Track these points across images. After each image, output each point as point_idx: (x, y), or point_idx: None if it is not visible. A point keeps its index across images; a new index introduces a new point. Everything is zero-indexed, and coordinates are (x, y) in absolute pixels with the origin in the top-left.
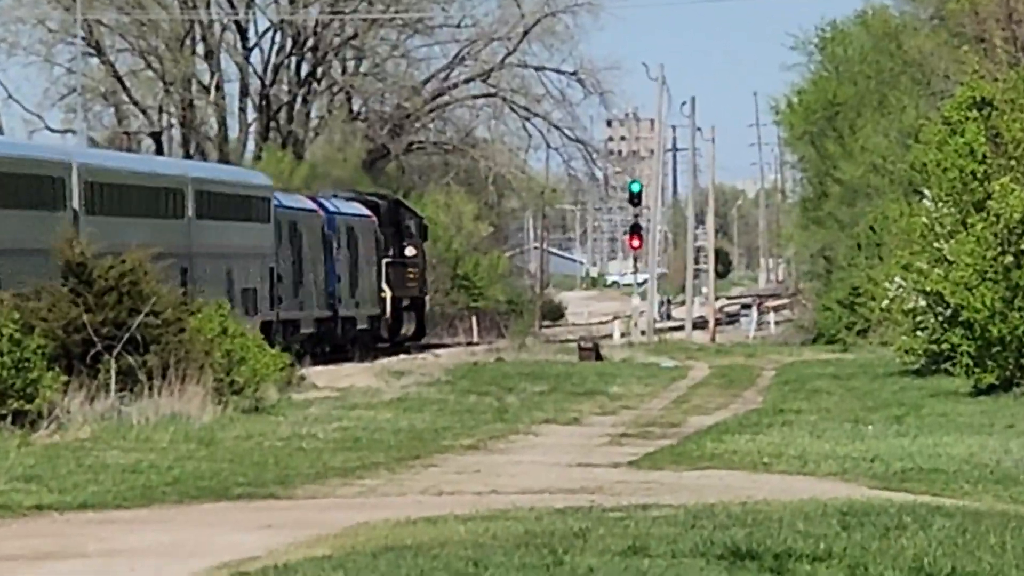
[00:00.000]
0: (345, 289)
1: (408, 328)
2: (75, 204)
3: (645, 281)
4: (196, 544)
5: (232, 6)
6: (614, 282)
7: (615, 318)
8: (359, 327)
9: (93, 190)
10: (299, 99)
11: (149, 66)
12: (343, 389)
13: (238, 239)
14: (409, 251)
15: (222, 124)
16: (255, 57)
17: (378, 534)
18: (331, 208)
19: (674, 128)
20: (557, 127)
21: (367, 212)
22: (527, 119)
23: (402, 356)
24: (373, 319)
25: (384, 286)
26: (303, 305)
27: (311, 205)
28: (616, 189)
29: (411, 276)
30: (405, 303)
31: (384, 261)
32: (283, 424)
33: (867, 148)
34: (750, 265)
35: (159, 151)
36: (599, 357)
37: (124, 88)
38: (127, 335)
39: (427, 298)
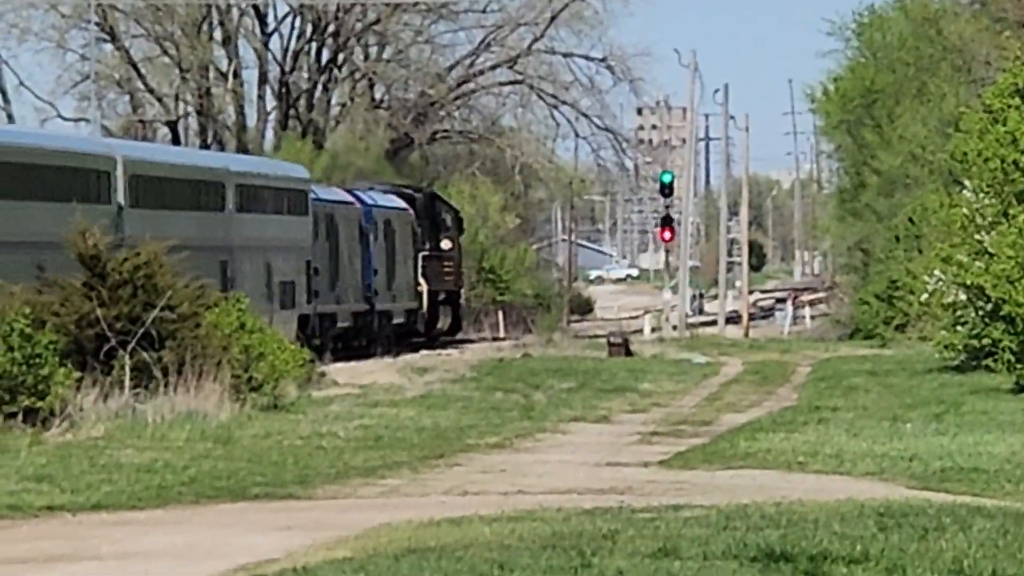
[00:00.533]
0: (382, 283)
1: (444, 322)
2: (119, 198)
3: (627, 276)
4: (212, 546)
5: None
6: (598, 276)
7: (646, 312)
8: (395, 321)
9: (137, 183)
10: (320, 86)
11: (165, 52)
12: (365, 386)
13: (276, 232)
14: (445, 244)
15: (240, 112)
16: (274, 43)
17: (400, 535)
18: (368, 201)
19: (707, 116)
20: (586, 115)
21: (404, 205)
22: (555, 107)
23: (424, 352)
24: (410, 313)
25: (420, 280)
26: (340, 299)
27: (348, 198)
28: (647, 179)
29: (447, 270)
30: (441, 297)
31: (420, 254)
32: (303, 422)
33: (905, 137)
34: (785, 258)
35: (175, 140)
36: (629, 353)
37: (139, 75)
38: (142, 330)
39: (463, 292)
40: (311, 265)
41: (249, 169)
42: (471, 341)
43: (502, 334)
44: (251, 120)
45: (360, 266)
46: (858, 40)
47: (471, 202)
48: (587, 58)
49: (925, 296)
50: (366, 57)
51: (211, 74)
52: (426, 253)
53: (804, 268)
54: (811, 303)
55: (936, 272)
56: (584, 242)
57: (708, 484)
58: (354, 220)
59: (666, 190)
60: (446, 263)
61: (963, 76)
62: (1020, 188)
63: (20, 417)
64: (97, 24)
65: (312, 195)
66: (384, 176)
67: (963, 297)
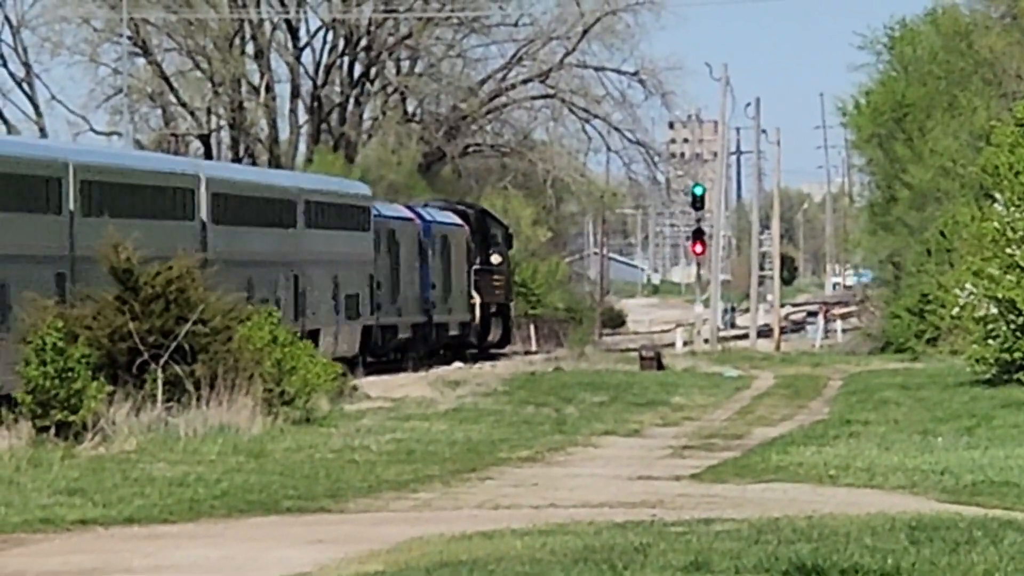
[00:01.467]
0: (439, 295)
1: (495, 334)
2: (203, 215)
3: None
4: (245, 559)
5: (283, 5)
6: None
7: (677, 326)
8: (451, 332)
9: (219, 201)
10: (352, 100)
11: (197, 66)
12: (397, 400)
13: (342, 247)
14: (495, 259)
15: (272, 126)
16: (306, 57)
17: (432, 549)
18: (427, 217)
19: (738, 130)
20: (617, 129)
21: (458, 221)
22: (586, 121)
23: (457, 365)
24: (464, 325)
25: (473, 293)
26: (401, 311)
27: (408, 214)
28: (678, 193)
29: (497, 283)
30: (492, 310)
31: (473, 269)
32: (335, 436)
33: (937, 151)
34: (816, 271)
35: (208, 154)
36: (661, 366)
37: (171, 89)
38: (174, 344)
39: (512, 305)
40: (374, 279)
41: (318, 187)
42: (503, 355)
43: (534, 347)
44: (283, 134)
45: (419, 280)
46: (889, 54)
47: (503, 216)
48: (619, 72)
49: (956, 310)
50: (398, 71)
51: (243, 88)
52: (478, 267)
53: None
54: (843, 317)
55: (967, 285)
56: (616, 256)
57: (739, 498)
58: (413, 236)
59: (697, 203)
60: (496, 277)
61: (994, 90)
62: None
63: (53, 431)
64: (129, 38)
65: (375, 211)
66: (416, 191)
67: (994, 311)
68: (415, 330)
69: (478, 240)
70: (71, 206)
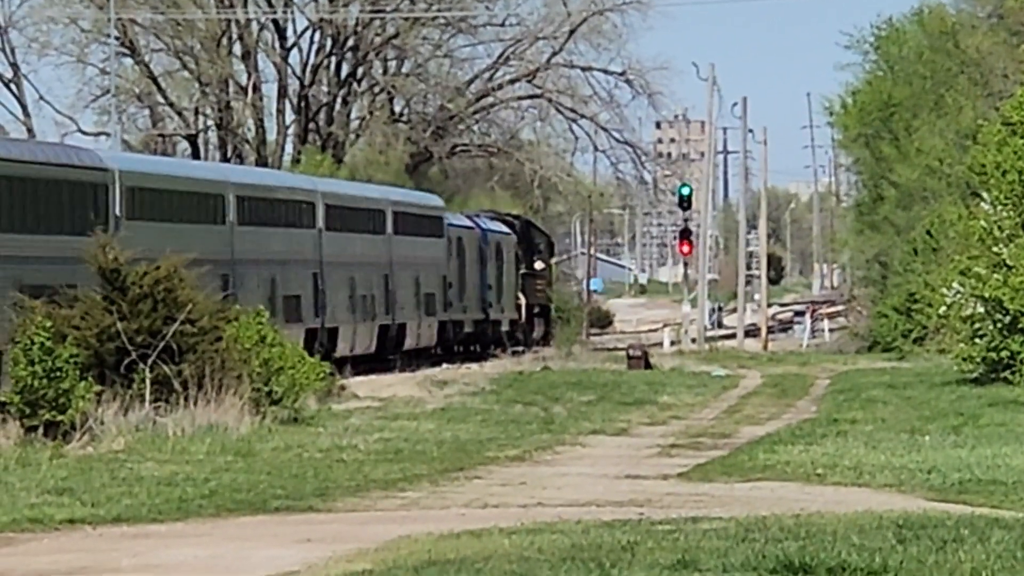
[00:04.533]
0: (493, 296)
1: (538, 332)
2: (320, 223)
3: None
4: (233, 559)
5: (270, 5)
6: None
7: (665, 325)
8: (503, 329)
9: (331, 212)
10: (339, 100)
11: (185, 67)
12: (385, 399)
13: (422, 252)
14: (538, 265)
15: (260, 126)
16: (294, 57)
17: (420, 548)
18: (484, 226)
19: (725, 130)
20: (605, 129)
21: (507, 230)
22: (574, 121)
23: (445, 365)
24: (513, 323)
25: (520, 295)
26: (466, 308)
27: (469, 223)
28: (665, 193)
29: (540, 287)
30: (536, 310)
31: (520, 273)
32: (323, 435)
33: (923, 150)
34: (803, 271)
35: (195, 154)
36: (648, 366)
37: (159, 89)
38: (162, 343)
39: (552, 306)
40: (446, 280)
41: (403, 199)
42: (493, 355)
43: (522, 347)
44: (271, 134)
45: (479, 281)
46: (876, 53)
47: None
48: (606, 72)
49: (943, 309)
50: (385, 71)
51: (231, 88)
52: (524, 272)
53: (823, 281)
54: (830, 316)
55: (954, 285)
56: (603, 255)
57: (727, 496)
58: (475, 242)
59: (685, 203)
60: (539, 281)
61: (980, 89)
62: None
63: (41, 430)
64: (117, 38)
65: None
66: (405, 188)
67: (981, 309)
68: (476, 326)
69: (524, 247)
70: (231, 217)
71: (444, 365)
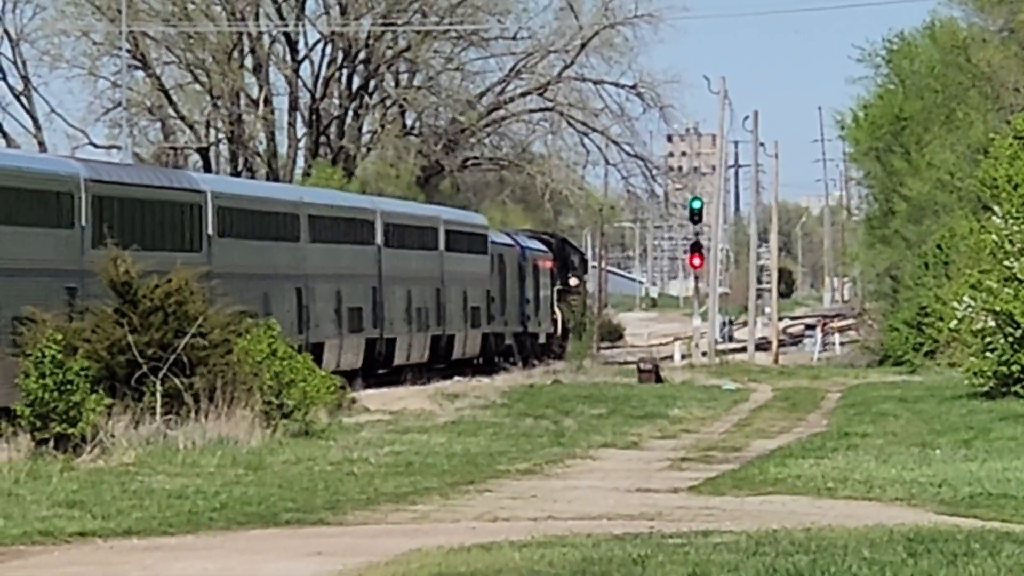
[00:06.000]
0: (532, 310)
1: (572, 344)
2: (378, 240)
3: None
4: (244, 572)
5: (281, 18)
6: None
7: (676, 339)
8: (540, 341)
9: (388, 230)
10: (350, 113)
11: (196, 80)
12: (395, 412)
13: (469, 268)
14: (572, 281)
15: (271, 139)
16: (305, 70)
17: (431, 561)
18: (523, 244)
19: (736, 143)
20: (616, 142)
21: (545, 248)
22: (585, 134)
23: (457, 379)
24: (549, 336)
25: (555, 309)
26: (506, 322)
27: (510, 241)
28: (676, 206)
29: (575, 302)
30: (571, 324)
31: (556, 288)
32: (333, 448)
33: (934, 164)
34: (814, 284)
35: (206, 167)
36: (659, 379)
37: (170, 102)
38: (173, 357)
39: (586, 320)
40: (489, 294)
41: (453, 218)
42: (503, 369)
43: (533, 360)
44: (282, 147)
45: (518, 296)
46: (888, 67)
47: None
48: (617, 85)
49: (954, 323)
50: (397, 84)
51: (242, 101)
52: (559, 287)
53: (834, 295)
54: (840, 330)
55: (965, 299)
56: (614, 269)
57: (738, 510)
58: (515, 259)
59: (695, 217)
60: (573, 296)
61: (991, 103)
62: None
63: (52, 443)
64: (128, 52)
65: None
66: (416, 201)
67: (992, 324)
68: (516, 338)
69: (559, 264)
70: (304, 235)
71: (369, 390)
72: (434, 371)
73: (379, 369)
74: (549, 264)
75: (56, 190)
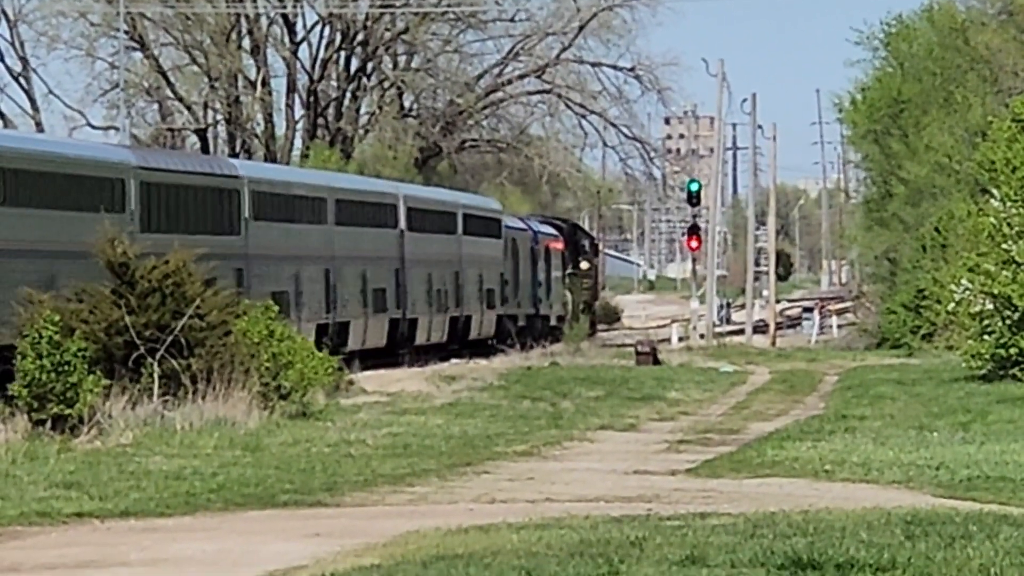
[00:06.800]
0: (544, 292)
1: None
2: (401, 224)
3: None
4: (241, 553)
5: (279, 0)
6: None
7: (673, 321)
8: (551, 323)
9: (411, 214)
10: (348, 95)
11: (194, 61)
12: (393, 394)
13: (484, 251)
14: (584, 265)
15: (269, 121)
16: (303, 52)
17: (428, 543)
18: (536, 228)
19: (734, 126)
20: (614, 125)
21: (557, 232)
22: (583, 116)
23: (454, 360)
24: (560, 318)
25: (566, 292)
26: (520, 303)
27: (523, 226)
28: (674, 189)
29: (585, 285)
30: (581, 306)
31: (567, 272)
32: (331, 430)
33: (932, 147)
34: (812, 267)
35: (204, 148)
36: (657, 361)
37: (168, 83)
38: (170, 338)
39: (597, 304)
40: (504, 277)
41: (469, 203)
42: (500, 351)
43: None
44: (279, 129)
45: (531, 279)
46: (886, 50)
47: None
48: (615, 67)
49: (952, 305)
50: (395, 66)
51: (240, 83)
52: (570, 271)
53: (831, 277)
54: (838, 312)
55: (963, 281)
56: (612, 251)
57: (735, 492)
58: (527, 243)
59: (693, 199)
60: (584, 279)
61: (990, 86)
62: None
63: (49, 424)
64: (126, 33)
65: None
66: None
67: (990, 306)
68: (528, 319)
69: (570, 248)
70: (331, 219)
71: (366, 372)
72: (450, 351)
73: (400, 348)
74: (561, 248)
75: (109, 176)
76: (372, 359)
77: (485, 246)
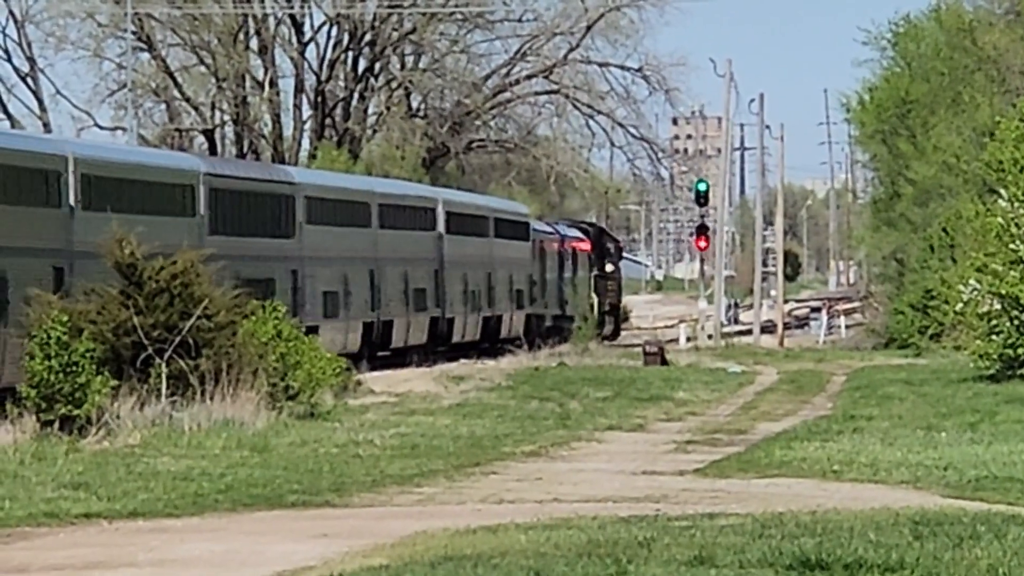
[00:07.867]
0: (570, 294)
1: (608, 328)
2: (440, 228)
3: None
4: (249, 553)
5: (287, 0)
6: None
7: (681, 322)
8: (576, 324)
9: (450, 219)
10: (356, 96)
11: (201, 61)
12: (401, 394)
13: (514, 254)
14: (608, 268)
15: (276, 121)
16: (310, 52)
17: (436, 543)
18: (563, 232)
19: (742, 126)
20: (621, 125)
21: (583, 236)
22: (590, 117)
23: (462, 361)
24: (584, 318)
25: (592, 294)
26: (546, 305)
27: (550, 230)
28: (682, 189)
29: (610, 287)
30: (606, 308)
31: (593, 274)
32: (339, 430)
33: (940, 147)
34: (820, 267)
35: (212, 149)
36: (664, 362)
37: (176, 84)
38: (178, 338)
39: (621, 306)
40: (532, 278)
41: (501, 207)
42: (509, 351)
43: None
44: (287, 129)
45: (558, 281)
46: (893, 50)
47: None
48: (623, 68)
49: (960, 305)
50: (402, 66)
51: (247, 83)
52: (596, 274)
53: (839, 278)
54: (846, 313)
55: (971, 281)
56: None
57: (743, 493)
58: (554, 247)
59: (701, 199)
60: (609, 282)
61: (997, 86)
62: None
63: (57, 425)
64: (134, 33)
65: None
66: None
67: (998, 307)
68: (555, 320)
69: (596, 252)
70: (375, 223)
71: (374, 372)
72: (484, 350)
73: (439, 346)
74: (587, 250)
75: (181, 182)
76: (414, 355)
77: (515, 249)
